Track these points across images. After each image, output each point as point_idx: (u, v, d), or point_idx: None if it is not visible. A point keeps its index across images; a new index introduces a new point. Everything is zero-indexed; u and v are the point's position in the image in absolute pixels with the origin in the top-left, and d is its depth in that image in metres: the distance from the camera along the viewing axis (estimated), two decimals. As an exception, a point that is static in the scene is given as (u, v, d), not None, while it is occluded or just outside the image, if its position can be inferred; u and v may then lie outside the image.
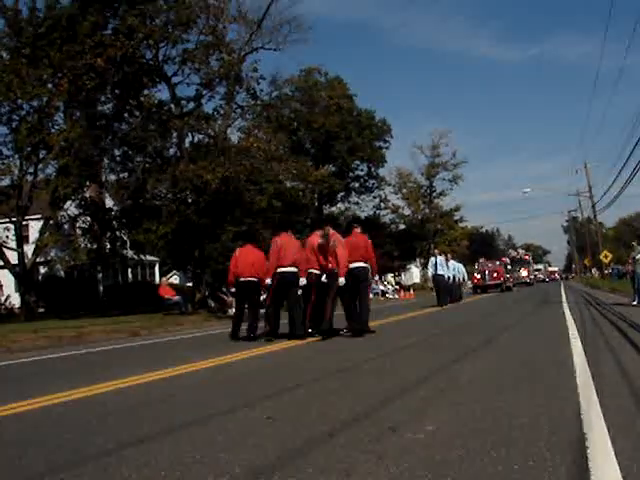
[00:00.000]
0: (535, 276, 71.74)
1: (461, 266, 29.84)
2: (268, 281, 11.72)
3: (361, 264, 12.21)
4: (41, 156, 25.70)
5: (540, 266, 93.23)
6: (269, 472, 3.18)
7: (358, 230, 12.82)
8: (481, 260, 46.86)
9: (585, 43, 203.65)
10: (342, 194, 62.08)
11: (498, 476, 2.92)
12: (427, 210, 75.03)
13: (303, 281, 11.83)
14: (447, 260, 26.02)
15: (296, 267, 11.75)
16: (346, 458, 3.35)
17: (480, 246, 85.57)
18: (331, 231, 12.16)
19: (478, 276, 43.20)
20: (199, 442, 3.91)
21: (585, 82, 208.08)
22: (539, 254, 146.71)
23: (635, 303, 17.47)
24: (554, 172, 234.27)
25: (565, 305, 18.64)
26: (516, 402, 4.65)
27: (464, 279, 31.89)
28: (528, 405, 4.50)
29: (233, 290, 13.77)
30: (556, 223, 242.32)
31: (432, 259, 25.32)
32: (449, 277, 25.31)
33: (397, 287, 50.39)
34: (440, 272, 24.09)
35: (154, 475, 3.24)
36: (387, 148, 63.45)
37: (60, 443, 4.14)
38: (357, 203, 64.34)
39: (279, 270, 11.68)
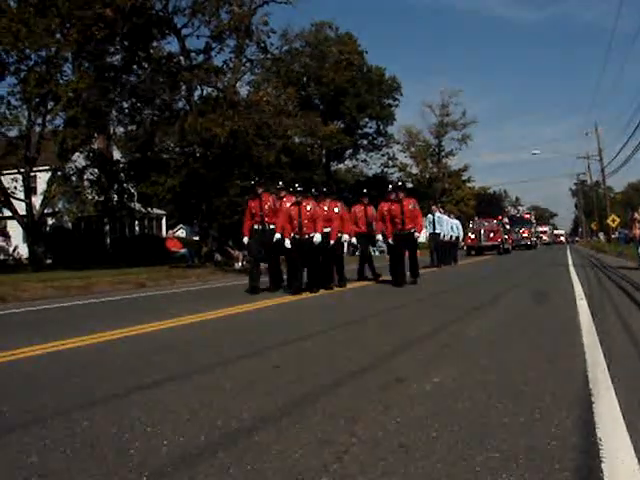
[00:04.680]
0: (539, 238, 69.39)
1: (457, 222, 26.85)
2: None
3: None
4: (49, 107, 25.51)
5: (545, 228, 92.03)
6: (277, 418, 3.22)
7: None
8: (476, 218, 43.92)
9: (602, 3, 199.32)
10: (350, 151, 61.85)
11: (504, 427, 2.94)
12: (435, 169, 74.83)
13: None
14: (443, 214, 24.22)
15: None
16: (353, 406, 3.38)
17: (487, 206, 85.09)
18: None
19: (473, 236, 38.84)
20: (207, 388, 3.95)
21: (600, 44, 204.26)
22: (546, 217, 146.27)
23: (641, 267, 17.33)
24: (564, 135, 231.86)
25: (572, 268, 18.61)
26: (522, 358, 4.67)
27: (459, 238, 27.36)
28: (534, 361, 4.52)
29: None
30: (564, 186, 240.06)
31: (429, 216, 23.30)
32: (444, 235, 23.26)
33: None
34: (437, 230, 22.71)
35: (162, 417, 3.29)
36: (397, 106, 63.05)
37: (70, 386, 4.19)
38: (365, 161, 64.20)
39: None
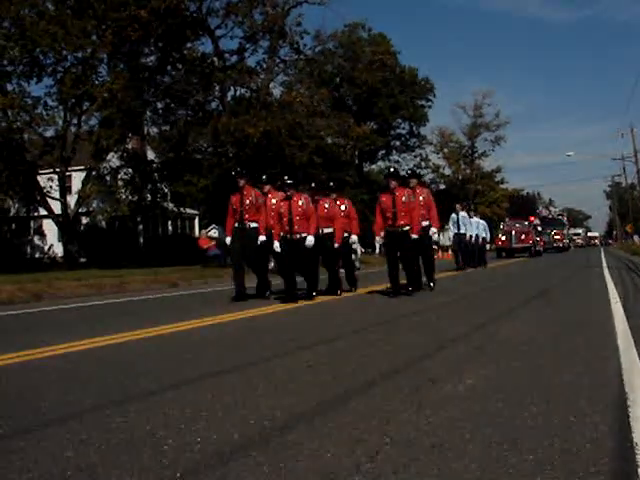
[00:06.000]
0: (572, 240, 67.98)
1: (484, 223, 25.76)
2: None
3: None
4: (85, 107, 25.91)
5: (579, 230, 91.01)
6: (310, 417, 3.22)
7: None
8: (507, 220, 42.92)
9: (636, 4, 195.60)
10: (383, 152, 61.74)
11: (538, 429, 2.92)
12: (468, 170, 74.33)
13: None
14: (470, 217, 23.05)
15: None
16: (386, 406, 3.37)
17: (520, 208, 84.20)
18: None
19: (503, 238, 37.51)
20: (240, 387, 3.97)
21: (635, 44, 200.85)
22: (580, 219, 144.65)
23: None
24: (599, 137, 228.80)
25: (606, 270, 18.34)
26: (556, 360, 4.62)
27: (485, 239, 25.75)
28: (568, 363, 4.46)
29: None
30: (598, 189, 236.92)
31: (453, 216, 22.19)
32: (471, 236, 22.23)
33: (435, 247, 49.82)
34: (462, 231, 21.72)
35: (196, 415, 3.31)
36: (430, 107, 62.78)
37: (104, 383, 4.24)
38: (397, 162, 63.81)
39: None
